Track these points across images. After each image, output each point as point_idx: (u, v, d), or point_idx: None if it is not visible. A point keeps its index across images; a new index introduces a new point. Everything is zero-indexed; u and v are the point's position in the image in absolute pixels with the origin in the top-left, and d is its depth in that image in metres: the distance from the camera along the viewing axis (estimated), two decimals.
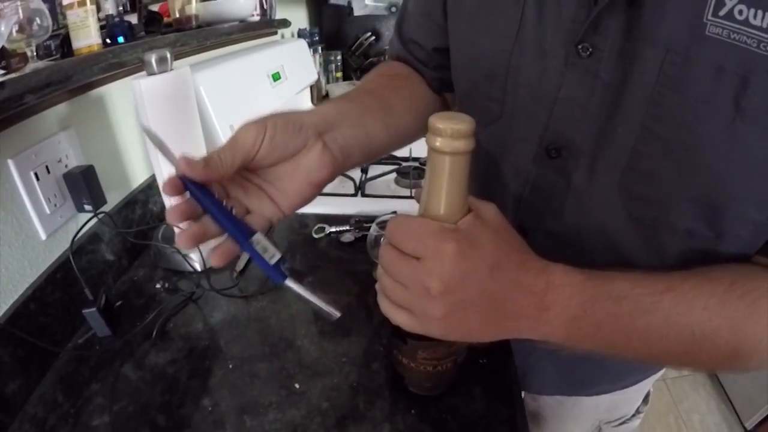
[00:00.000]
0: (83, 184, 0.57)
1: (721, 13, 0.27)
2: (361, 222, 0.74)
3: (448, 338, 0.31)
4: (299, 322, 0.57)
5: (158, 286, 0.64)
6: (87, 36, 0.59)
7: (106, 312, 0.55)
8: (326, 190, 0.38)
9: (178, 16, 0.83)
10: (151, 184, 0.75)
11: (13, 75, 0.49)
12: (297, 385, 0.48)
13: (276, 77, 1.09)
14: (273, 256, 0.31)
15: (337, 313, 0.33)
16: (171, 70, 0.57)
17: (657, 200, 0.35)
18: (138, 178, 0.75)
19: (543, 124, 0.39)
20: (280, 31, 1.41)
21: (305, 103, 1.51)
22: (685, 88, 0.30)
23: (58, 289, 0.54)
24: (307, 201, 0.36)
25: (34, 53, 0.53)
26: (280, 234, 0.77)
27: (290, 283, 0.32)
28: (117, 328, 0.56)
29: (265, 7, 1.15)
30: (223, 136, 0.80)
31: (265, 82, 1.03)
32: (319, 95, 1.63)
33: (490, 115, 0.44)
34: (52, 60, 0.59)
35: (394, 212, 0.76)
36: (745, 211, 0.32)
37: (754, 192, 0.31)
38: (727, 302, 0.31)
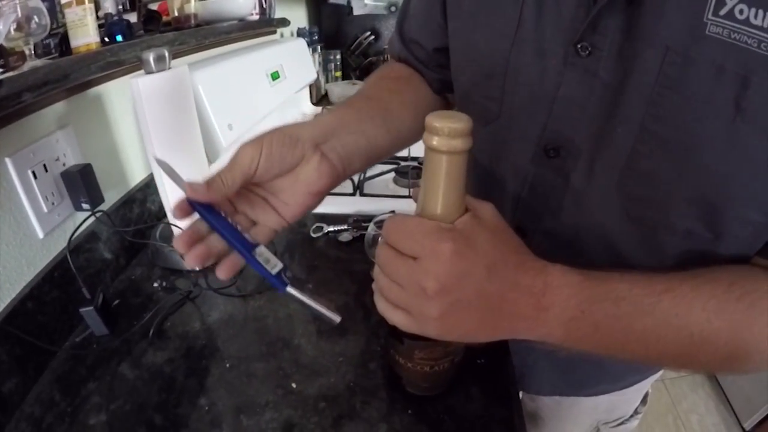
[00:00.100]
0: (81, 183, 0.57)
1: (722, 12, 0.27)
2: (359, 221, 0.74)
3: (444, 338, 0.31)
4: (296, 322, 0.57)
5: (156, 285, 0.64)
6: (85, 34, 0.59)
7: (103, 311, 0.54)
8: None
9: (177, 14, 0.83)
10: (148, 183, 0.75)
11: (11, 73, 0.49)
12: (294, 385, 0.48)
13: (275, 76, 1.08)
14: (275, 266, 0.34)
15: (337, 319, 0.34)
16: (169, 68, 0.57)
17: (656, 201, 0.35)
18: (136, 176, 0.75)
19: (541, 123, 0.39)
20: (279, 30, 1.41)
21: (304, 102, 1.51)
22: (685, 88, 0.30)
23: (55, 287, 0.54)
24: (309, 209, 0.37)
25: (32, 51, 0.53)
26: (278, 234, 0.77)
27: (291, 290, 0.34)
28: (114, 327, 0.56)
29: (264, 6, 1.15)
30: (221, 135, 0.79)
31: (264, 81, 1.03)
32: (318, 94, 1.62)
33: (489, 115, 0.44)
34: (50, 58, 0.59)
35: (393, 211, 0.76)
36: (745, 212, 0.32)
37: (754, 193, 0.31)
38: (726, 304, 0.31)
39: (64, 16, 0.59)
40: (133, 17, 0.78)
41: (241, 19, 1.02)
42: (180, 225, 0.33)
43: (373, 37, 1.80)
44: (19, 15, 0.50)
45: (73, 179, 0.57)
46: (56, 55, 0.61)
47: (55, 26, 0.60)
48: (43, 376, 0.50)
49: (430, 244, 0.29)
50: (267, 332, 0.56)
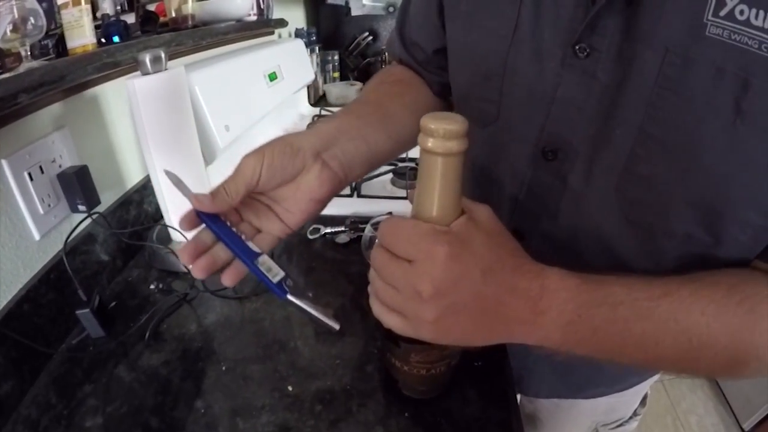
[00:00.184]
0: (77, 185, 0.57)
1: (722, 13, 0.27)
2: (357, 223, 0.74)
3: (439, 342, 0.31)
4: (293, 324, 0.56)
5: (152, 286, 0.63)
6: (81, 35, 0.59)
7: (99, 313, 0.54)
8: None
9: (174, 15, 0.82)
10: (145, 185, 0.75)
11: (7, 74, 0.49)
12: (290, 388, 0.48)
13: (272, 77, 1.08)
14: (276, 274, 0.35)
15: (337, 326, 0.35)
16: (165, 69, 0.57)
17: (655, 204, 0.34)
18: (132, 178, 0.75)
19: (539, 125, 0.39)
20: (277, 31, 1.41)
21: (302, 103, 1.50)
22: (685, 89, 0.29)
23: (51, 289, 0.54)
24: (312, 216, 0.38)
25: (28, 53, 0.53)
26: (282, 241, 0.76)
27: (292, 298, 0.35)
28: (111, 329, 0.56)
29: (262, 6, 1.14)
30: (218, 136, 0.79)
31: (261, 82, 1.03)
32: (316, 95, 1.62)
33: (487, 117, 0.43)
34: (47, 60, 0.58)
35: (390, 213, 0.76)
36: (745, 215, 0.31)
37: (755, 195, 0.30)
38: (725, 308, 0.30)
39: (62, 17, 0.59)
40: (131, 18, 0.78)
41: (239, 20, 1.02)
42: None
43: (371, 37, 1.80)
44: (16, 16, 0.50)
45: (69, 181, 0.56)
46: (53, 56, 0.60)
47: (53, 27, 0.59)
48: (40, 378, 0.50)
49: (426, 247, 0.28)
50: (263, 335, 0.55)
